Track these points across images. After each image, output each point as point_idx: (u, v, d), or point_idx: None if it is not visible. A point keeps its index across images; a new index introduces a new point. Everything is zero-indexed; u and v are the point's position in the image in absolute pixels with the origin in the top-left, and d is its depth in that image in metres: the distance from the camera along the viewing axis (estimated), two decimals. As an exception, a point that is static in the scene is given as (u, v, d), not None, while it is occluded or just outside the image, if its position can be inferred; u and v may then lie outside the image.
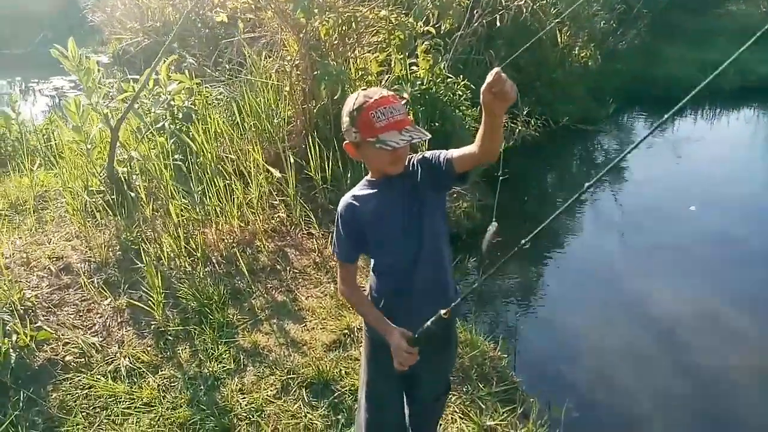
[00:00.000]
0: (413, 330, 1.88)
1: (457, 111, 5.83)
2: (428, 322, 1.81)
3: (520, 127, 6.50)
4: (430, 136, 1.82)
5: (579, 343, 3.85)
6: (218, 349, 3.24)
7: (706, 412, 3.29)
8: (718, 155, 7.47)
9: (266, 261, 4.02)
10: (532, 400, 3.09)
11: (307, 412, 2.83)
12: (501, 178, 1.91)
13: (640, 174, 6.60)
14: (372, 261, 2.08)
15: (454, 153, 1.84)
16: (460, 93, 5.94)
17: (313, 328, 3.42)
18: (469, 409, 2.89)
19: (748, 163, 7.31)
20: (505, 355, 3.38)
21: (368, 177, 2.00)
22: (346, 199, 1.99)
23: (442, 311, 1.78)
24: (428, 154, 1.92)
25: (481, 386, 3.04)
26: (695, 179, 6.53)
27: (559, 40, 8.48)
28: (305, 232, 4.38)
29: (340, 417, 2.80)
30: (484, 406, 2.90)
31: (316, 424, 2.77)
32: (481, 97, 1.56)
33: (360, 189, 1.99)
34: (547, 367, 3.58)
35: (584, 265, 4.81)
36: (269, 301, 3.66)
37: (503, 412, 2.87)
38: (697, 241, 5.11)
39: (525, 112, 6.69)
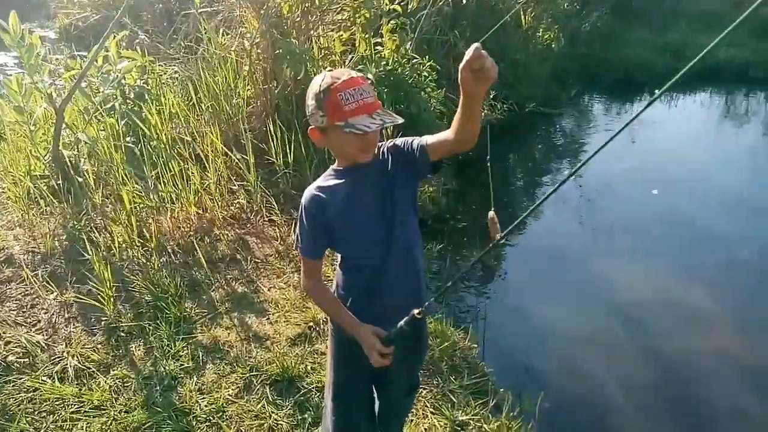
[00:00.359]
0: (384, 329, 1.77)
1: (422, 93, 5.69)
2: (401, 323, 1.68)
3: (485, 111, 6.40)
4: (402, 120, 1.67)
5: (546, 330, 3.79)
6: (175, 345, 3.05)
7: (674, 397, 3.27)
8: (677, 139, 7.55)
9: (226, 250, 3.82)
10: (503, 391, 3.00)
11: (272, 412, 2.68)
12: (489, 161, 1.78)
13: (600, 158, 6.57)
14: (339, 256, 1.94)
15: (428, 140, 1.71)
16: (426, 74, 5.80)
17: (276, 321, 3.26)
18: (440, 403, 2.79)
19: (707, 146, 7.40)
20: (475, 345, 3.29)
21: (335, 166, 1.84)
22: (310, 190, 1.83)
23: (415, 311, 1.66)
24: (399, 141, 1.79)
25: (452, 379, 2.94)
26: (656, 163, 6.56)
27: (523, 21, 8.40)
28: (266, 219, 4.19)
29: (306, 416, 2.66)
30: (455, 400, 2.80)
31: (282, 424, 2.62)
32: (459, 76, 1.42)
33: (326, 179, 1.84)
34: (516, 355, 3.51)
35: (549, 251, 4.76)
36: (229, 292, 3.48)
37: (475, 406, 2.78)
38: (661, 225, 5.12)
39: (491, 96, 6.59)
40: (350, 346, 1.84)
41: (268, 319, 3.28)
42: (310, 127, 1.74)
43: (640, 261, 4.61)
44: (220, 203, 4.18)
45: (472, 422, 2.69)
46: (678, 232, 4.98)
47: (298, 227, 1.88)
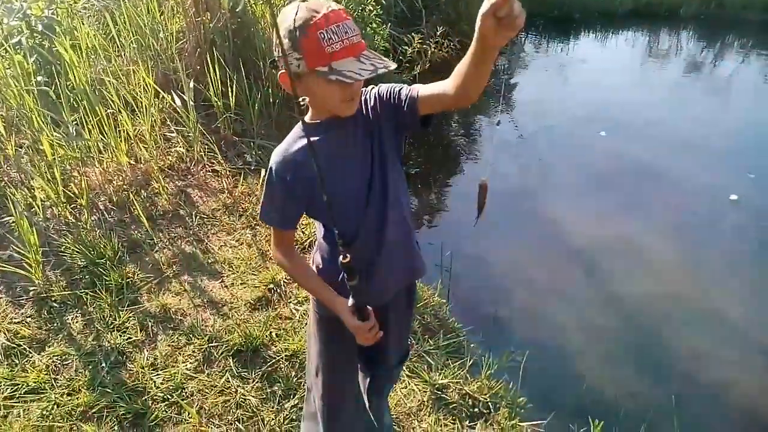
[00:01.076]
0: (376, 305, 1.62)
1: (367, 29, 5.33)
2: None
3: (432, 49, 6.10)
4: (395, 65, 1.40)
5: (507, 279, 3.71)
6: (119, 316, 2.73)
7: (634, 340, 3.30)
8: (615, 78, 7.56)
9: (166, 205, 3.45)
10: (477, 347, 2.90)
11: (237, 386, 2.45)
12: (498, 123, 1.53)
13: (543, 101, 6.53)
14: (320, 228, 1.68)
15: (419, 91, 1.44)
16: (371, 8, 5.42)
17: (232, 284, 2.98)
18: (416, 366, 2.65)
19: (646, 86, 7.46)
20: (444, 301, 3.15)
21: (308, 118, 1.54)
22: (281, 152, 1.53)
23: None
24: (384, 88, 1.51)
25: (426, 339, 2.80)
26: (598, 103, 6.55)
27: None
28: (209, 169, 3.82)
29: (276, 389, 2.45)
30: (432, 362, 2.66)
31: (250, 399, 2.40)
32: (479, 24, 1.16)
33: (297, 138, 1.53)
34: (483, 308, 3.41)
35: (501, 197, 4.65)
36: (176, 253, 3.14)
37: (453, 367, 2.66)
38: (612, 166, 5.12)
39: (438, 32, 6.28)
40: (336, 324, 1.63)
41: (222, 282, 2.99)
42: (280, 72, 1.44)
43: (596, 205, 4.59)
44: (155, 152, 3.75)
45: (451, 384, 2.57)
46: (631, 175, 4.99)
47: (264, 195, 1.59)
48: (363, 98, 1.52)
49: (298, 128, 1.54)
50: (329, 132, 1.50)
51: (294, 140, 1.53)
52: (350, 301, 1.58)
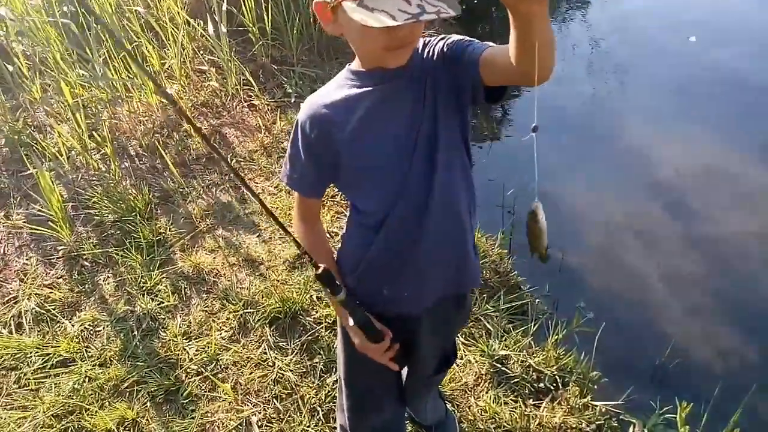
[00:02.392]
0: (401, 315, 1.39)
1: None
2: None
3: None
4: (458, 11, 1.00)
5: (578, 221, 3.28)
6: (151, 277, 2.54)
7: (732, 295, 2.87)
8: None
9: (200, 148, 3.17)
10: (541, 306, 2.57)
11: (275, 359, 2.24)
12: (534, 128, 1.10)
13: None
14: (350, 202, 1.35)
15: (486, 51, 1.08)
16: None
17: (270, 238, 2.72)
18: (474, 332, 2.36)
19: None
20: (506, 251, 2.80)
21: (352, 66, 1.22)
22: (312, 101, 1.24)
23: None
24: (452, 40, 1.15)
25: (486, 300, 2.48)
26: (686, 3, 5.70)
27: None
28: (245, 104, 3.49)
29: (317, 361, 2.22)
30: (491, 328, 2.35)
31: (288, 375, 2.18)
32: None
33: (337, 87, 1.23)
34: (550, 258, 3.02)
35: (572, 119, 4.12)
36: (210, 204, 2.90)
37: (516, 334, 2.35)
38: (702, 79, 4.43)
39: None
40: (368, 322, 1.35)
41: (260, 236, 2.73)
42: (315, 0, 1.10)
43: (684, 126, 3.99)
44: (187, 88, 3.45)
45: (513, 355, 2.27)
46: (727, 89, 4.30)
47: (288, 149, 1.30)
48: (427, 49, 1.17)
49: (340, 76, 1.24)
50: (373, 85, 1.17)
51: (332, 89, 1.22)
52: (350, 321, 1.33)
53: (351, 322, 1.34)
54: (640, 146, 3.79)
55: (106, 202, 2.80)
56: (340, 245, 1.44)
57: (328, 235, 2.51)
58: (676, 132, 3.94)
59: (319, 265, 1.23)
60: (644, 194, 3.44)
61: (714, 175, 3.55)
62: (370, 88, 1.18)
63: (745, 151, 3.69)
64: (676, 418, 2.03)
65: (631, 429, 2.08)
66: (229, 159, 3.10)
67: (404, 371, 1.65)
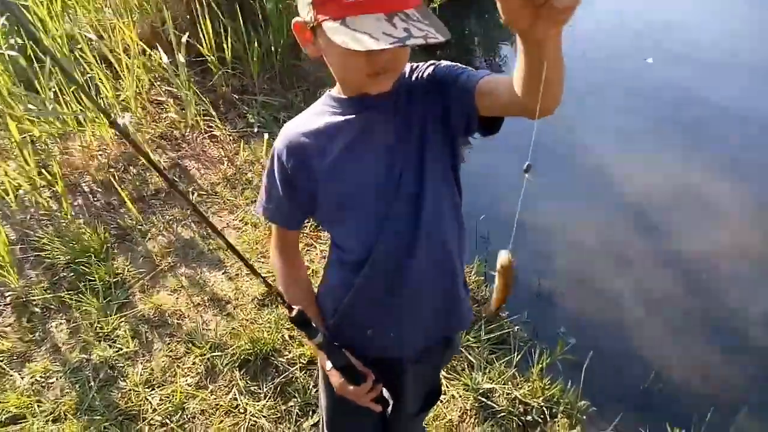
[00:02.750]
0: (385, 358, 1.29)
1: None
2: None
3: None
4: (447, 36, 0.92)
5: (553, 244, 3.23)
6: (108, 322, 2.36)
7: (710, 312, 2.85)
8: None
9: (159, 182, 3.02)
10: (522, 334, 2.49)
11: (247, 405, 2.08)
12: (527, 168, 1.03)
13: (574, 23, 5.83)
14: (331, 237, 1.25)
15: (484, 81, 1.00)
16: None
17: (237, 275, 2.57)
18: (456, 365, 2.25)
19: (698, 2, 6.65)
20: (482, 278, 2.72)
21: (333, 92, 1.14)
22: (290, 129, 1.15)
23: None
24: (443, 66, 1.08)
25: (466, 331, 2.38)
26: (640, 24, 5.83)
27: None
28: (206, 135, 3.36)
29: (292, 405, 2.08)
30: (474, 360, 2.26)
31: (262, 422, 2.03)
32: (500, 6, 0.72)
33: (316, 114, 1.14)
34: (527, 283, 2.95)
35: (539, 143, 4.12)
36: (171, 241, 2.74)
37: (499, 365, 2.25)
38: (662, 98, 4.51)
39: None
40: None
41: (226, 273, 2.59)
42: (294, 20, 1.01)
43: (647, 146, 4.03)
44: (144, 120, 3.30)
45: (498, 388, 2.17)
46: (686, 109, 4.38)
47: (264, 179, 1.21)
48: (412, 73, 1.09)
49: (319, 102, 1.15)
50: (354, 113, 1.09)
51: (311, 117, 1.14)
52: (329, 365, 1.25)
53: (329, 365, 1.24)
54: (608, 167, 3.79)
55: (57, 243, 2.61)
56: (321, 281, 1.33)
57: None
58: (642, 152, 3.97)
59: (293, 306, 1.13)
60: (614, 215, 3.43)
61: (681, 194, 3.57)
62: (351, 116, 1.09)
63: (710, 170, 3.74)
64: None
65: (623, 460, 2.00)
66: (190, 193, 2.95)
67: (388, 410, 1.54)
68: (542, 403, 2.12)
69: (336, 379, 1.26)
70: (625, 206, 3.46)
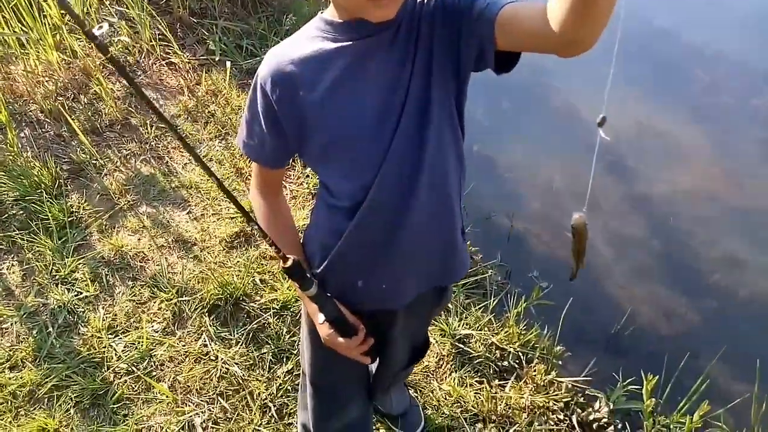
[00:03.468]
0: (376, 310, 1.23)
1: None
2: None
3: None
4: None
5: (521, 186, 3.19)
6: (65, 264, 2.21)
7: (665, 248, 2.89)
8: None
9: (114, 113, 2.79)
10: (496, 277, 2.47)
11: (218, 352, 2.01)
12: (601, 122, 0.94)
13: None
14: (319, 178, 1.15)
15: (508, 8, 0.87)
16: None
17: (202, 215, 2.44)
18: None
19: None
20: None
21: (326, 15, 1.00)
22: (276, 54, 1.02)
23: None
24: None
25: (441, 275, 2.33)
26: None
27: None
28: (163, 62, 3.11)
29: (265, 352, 2.01)
30: (451, 306, 2.22)
31: (234, 370, 1.96)
32: None
33: (307, 38, 1.01)
34: (500, 225, 2.90)
35: (511, 82, 4.01)
36: (130, 177, 2.56)
37: (476, 311, 2.23)
38: (633, 39, 4.43)
39: None
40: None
41: (191, 213, 2.44)
42: None
43: (615, 87, 3.97)
44: (93, 44, 3.02)
45: (474, 333, 2.15)
46: (654, 45, 4.31)
47: (245, 111, 1.09)
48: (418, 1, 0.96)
49: (310, 25, 1.02)
50: (350, 40, 0.96)
51: (301, 41, 1.00)
52: (321, 317, 1.18)
53: (321, 318, 1.16)
54: (576, 109, 3.73)
55: (4, 178, 2.41)
56: (308, 224, 1.24)
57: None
58: (611, 93, 3.91)
59: (288, 256, 1.04)
60: (583, 157, 3.39)
61: (649, 136, 3.55)
62: (347, 43, 0.97)
63: (677, 111, 3.72)
64: (639, 389, 2.01)
65: (597, 404, 2.03)
66: (148, 125, 2.75)
67: (373, 365, 1.49)
68: (518, 349, 2.12)
69: (326, 330, 1.18)
70: (593, 148, 3.43)
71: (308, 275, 1.08)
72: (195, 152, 0.98)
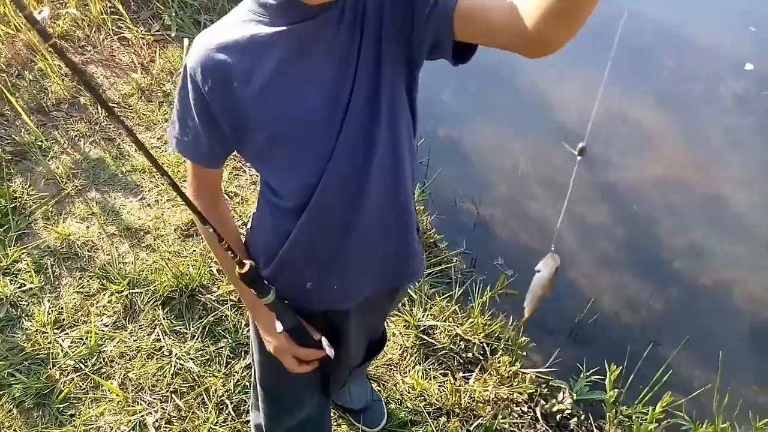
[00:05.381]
0: (327, 310, 1.17)
1: None
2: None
3: None
4: None
5: (486, 171, 3.14)
6: (7, 254, 2.08)
7: (629, 235, 2.89)
8: None
9: (61, 92, 2.63)
10: (461, 266, 2.42)
11: (172, 347, 1.92)
12: (579, 150, 0.88)
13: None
14: (261, 177, 1.07)
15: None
16: None
17: (157, 201, 2.32)
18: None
19: None
20: (422, 207, 2.60)
21: None
22: (206, 41, 0.91)
23: None
24: None
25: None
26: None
27: None
28: (115, 37, 2.94)
29: (222, 347, 1.93)
30: (415, 296, 2.17)
31: (189, 365, 1.88)
32: None
33: (239, 24, 0.90)
34: (464, 212, 2.85)
35: (477, 64, 3.94)
36: (77, 160, 2.42)
37: (440, 301, 2.18)
38: (596, 20, 4.39)
39: None
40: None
41: (143, 199, 2.32)
42: None
43: (584, 70, 3.94)
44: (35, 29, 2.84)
45: (439, 325, 2.11)
46: (622, 34, 4.28)
47: (176, 105, 0.98)
48: None
49: (242, 8, 0.90)
50: (291, 23, 0.85)
51: (232, 26, 0.89)
52: (279, 327, 1.08)
53: (279, 327, 1.08)
54: (544, 93, 3.69)
55: (-61, 160, 2.25)
56: (249, 226, 1.16)
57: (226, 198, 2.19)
58: (578, 76, 3.88)
59: (245, 261, 0.96)
60: (549, 143, 3.36)
61: (615, 123, 3.54)
62: (284, 28, 0.86)
63: (645, 98, 3.71)
64: (602, 379, 2.00)
65: (560, 395, 2.02)
66: (98, 105, 2.60)
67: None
68: (483, 340, 2.08)
69: (283, 342, 1.11)
70: (560, 134, 3.40)
71: (265, 281, 1.01)
72: (146, 149, 0.85)
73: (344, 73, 0.89)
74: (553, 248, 0.91)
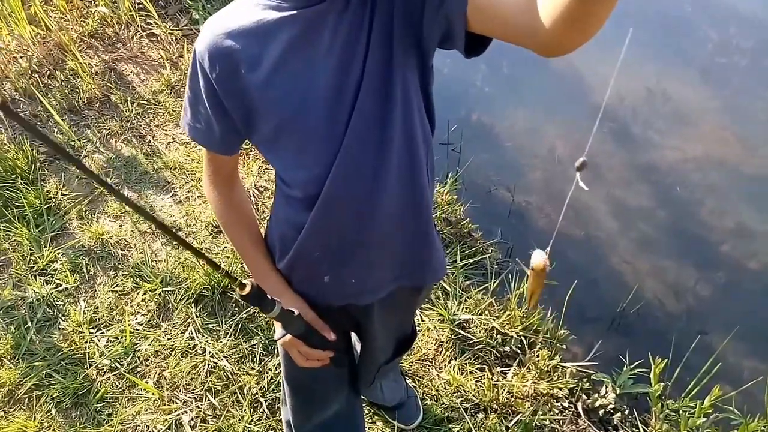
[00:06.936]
0: (347, 306, 1.14)
1: None
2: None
3: None
4: None
5: (521, 156, 3.04)
6: (43, 255, 2.11)
7: (672, 218, 2.77)
8: None
9: (92, 90, 2.64)
10: (497, 256, 2.36)
11: (205, 345, 1.92)
12: (579, 166, 0.82)
13: None
14: (272, 165, 1.05)
15: None
16: None
17: (187, 198, 2.32)
18: (432, 293, 2.11)
19: None
20: (455, 197, 2.53)
21: None
22: (213, 27, 0.89)
23: None
24: None
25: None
26: None
27: None
28: (144, 34, 2.94)
29: (255, 344, 1.92)
30: (449, 288, 2.12)
31: (223, 363, 1.87)
32: None
33: (246, 10, 0.88)
34: (500, 200, 2.77)
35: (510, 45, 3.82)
36: (110, 159, 2.44)
37: (476, 293, 2.12)
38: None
39: None
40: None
41: (175, 196, 2.32)
42: None
43: (621, 46, 3.79)
44: (69, 16, 2.86)
45: (474, 318, 2.05)
46: (662, 6, 4.11)
47: (187, 91, 0.97)
48: None
49: None
50: (298, 8, 0.83)
51: (240, 12, 0.87)
52: (279, 332, 1.12)
53: (287, 336, 1.08)
54: (579, 71, 3.56)
55: (-24, 163, 2.29)
56: (270, 214, 1.14)
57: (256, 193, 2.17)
58: (616, 56, 3.73)
59: (245, 282, 0.94)
60: (586, 123, 3.24)
61: (655, 101, 3.39)
62: (292, 13, 0.84)
63: (686, 73, 3.55)
64: (647, 371, 1.92)
65: (603, 389, 1.94)
66: (128, 102, 2.60)
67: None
68: (521, 333, 2.02)
69: (295, 344, 1.11)
70: (597, 113, 3.27)
71: (269, 297, 0.98)
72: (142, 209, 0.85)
73: (353, 56, 0.86)
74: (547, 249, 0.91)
